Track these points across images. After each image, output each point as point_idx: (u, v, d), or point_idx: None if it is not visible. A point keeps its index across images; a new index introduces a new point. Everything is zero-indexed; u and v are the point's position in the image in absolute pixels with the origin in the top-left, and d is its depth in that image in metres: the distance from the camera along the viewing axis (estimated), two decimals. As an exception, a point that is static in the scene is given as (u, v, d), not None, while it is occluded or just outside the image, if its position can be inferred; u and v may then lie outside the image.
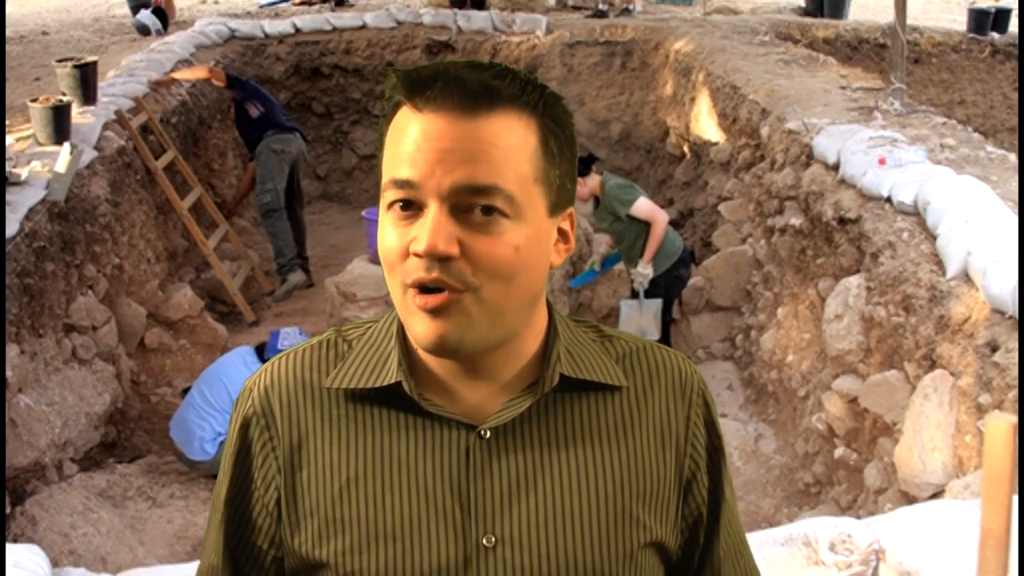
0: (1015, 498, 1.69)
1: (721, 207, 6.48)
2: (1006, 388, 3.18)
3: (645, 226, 5.25)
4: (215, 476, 1.07)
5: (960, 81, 9.58)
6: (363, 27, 9.17)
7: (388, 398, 0.98)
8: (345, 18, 9.27)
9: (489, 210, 0.88)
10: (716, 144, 6.96)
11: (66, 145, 4.85)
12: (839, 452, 4.23)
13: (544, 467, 0.97)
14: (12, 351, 3.76)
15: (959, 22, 10.41)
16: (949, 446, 3.42)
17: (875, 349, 4.13)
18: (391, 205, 0.91)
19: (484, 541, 0.94)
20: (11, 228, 4.07)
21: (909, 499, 3.45)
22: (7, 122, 5.64)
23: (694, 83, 7.60)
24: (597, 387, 1.00)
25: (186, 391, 4.68)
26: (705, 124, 7.27)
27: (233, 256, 6.90)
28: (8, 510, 3.62)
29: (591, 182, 5.31)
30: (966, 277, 3.64)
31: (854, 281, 4.34)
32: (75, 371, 4.38)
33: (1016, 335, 3.24)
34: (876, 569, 2.32)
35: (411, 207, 0.89)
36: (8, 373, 3.66)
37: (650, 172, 8.49)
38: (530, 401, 0.97)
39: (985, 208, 3.90)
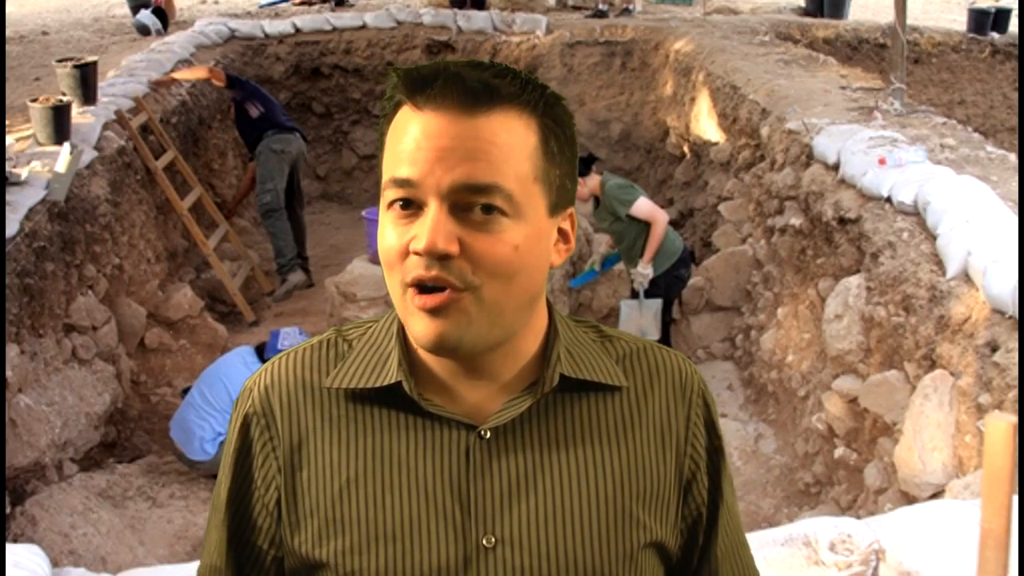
0: (1015, 498, 1.69)
1: (721, 207, 6.48)
2: (1006, 388, 3.18)
3: (645, 226, 5.25)
4: (215, 476, 1.07)
5: (960, 81, 9.58)
6: (363, 27, 9.17)
7: (388, 398, 0.98)
8: (345, 18, 9.28)
9: (489, 209, 0.88)
10: (716, 144, 6.96)
11: (66, 145, 4.85)
12: (839, 452, 4.23)
13: (544, 467, 0.97)
14: (12, 351, 3.76)
15: (959, 22, 10.41)
16: (949, 446, 3.42)
17: (875, 349, 4.13)
18: (391, 204, 0.91)
19: (484, 541, 0.94)
20: (11, 228, 4.06)
21: (909, 499, 3.45)
22: (7, 122, 5.64)
23: (694, 83, 7.60)
24: (597, 387, 1.00)
25: (186, 391, 4.68)
26: (705, 124, 7.27)
27: (233, 256, 6.90)
28: (8, 510, 3.62)
29: (591, 182, 5.31)
30: (966, 277, 3.64)
31: (854, 281, 4.34)
32: (75, 371, 4.38)
33: (1016, 335, 3.24)
34: (876, 569, 2.32)
35: (411, 206, 0.89)
36: (8, 373, 3.66)
37: (650, 172, 8.49)
38: (530, 401, 0.96)
39: (985, 208, 3.90)
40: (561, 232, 0.97)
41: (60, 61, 6.02)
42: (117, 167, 5.53)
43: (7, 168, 4.43)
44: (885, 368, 4.00)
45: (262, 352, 4.60)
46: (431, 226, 0.87)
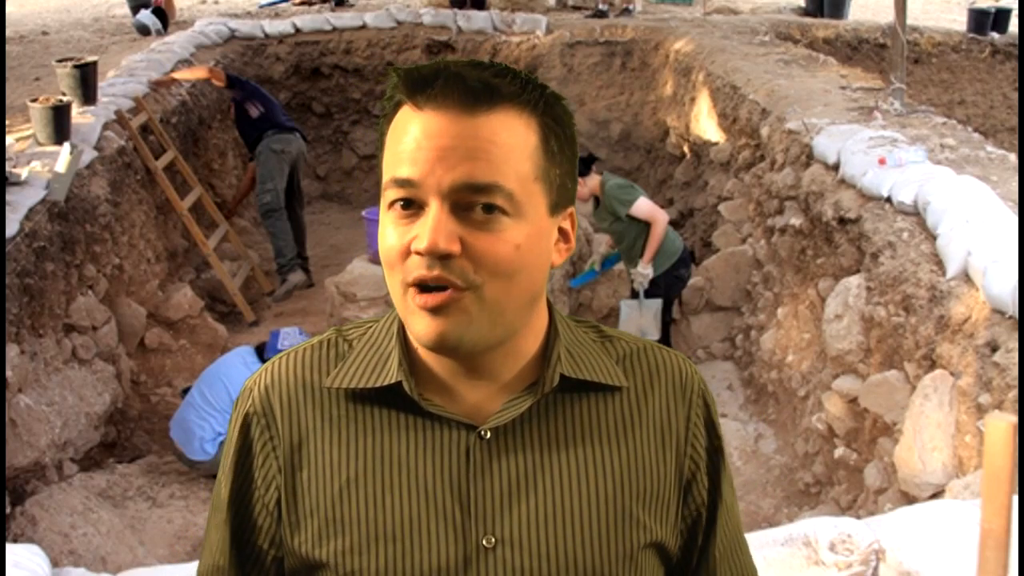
0: (1015, 498, 1.69)
1: (721, 207, 6.48)
2: (1006, 388, 3.18)
3: (645, 226, 5.25)
4: (215, 476, 1.07)
5: (960, 81, 9.58)
6: (363, 27, 9.18)
7: (388, 398, 0.98)
8: (345, 18, 9.28)
9: (490, 208, 0.88)
10: (716, 144, 6.96)
11: (66, 145, 4.85)
12: (839, 452, 4.23)
13: (544, 467, 0.97)
14: (12, 351, 3.76)
15: (959, 22, 10.41)
16: (949, 446, 3.42)
17: (875, 349, 4.14)
18: (392, 204, 0.91)
19: (484, 542, 0.94)
20: (11, 228, 4.06)
21: (909, 499, 3.45)
22: (7, 122, 5.64)
23: (694, 83, 7.60)
24: (597, 387, 1.00)
25: (186, 391, 4.68)
26: (705, 124, 7.27)
27: (233, 256, 6.90)
28: (8, 510, 3.62)
29: (591, 182, 5.31)
30: (966, 277, 3.64)
31: (854, 281, 4.34)
32: (75, 371, 4.38)
33: (1016, 335, 3.24)
34: (876, 569, 2.32)
35: (412, 206, 0.89)
36: (8, 373, 3.66)
37: (650, 172, 8.50)
38: (530, 401, 0.96)
39: (985, 208, 3.90)
40: (561, 231, 0.97)
41: (60, 61, 6.02)
42: (117, 167, 5.53)
43: (7, 168, 4.43)
44: (885, 368, 4.00)
45: (262, 352, 4.60)
46: (432, 226, 0.87)
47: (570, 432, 0.98)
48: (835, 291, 4.46)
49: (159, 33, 9.02)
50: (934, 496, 3.38)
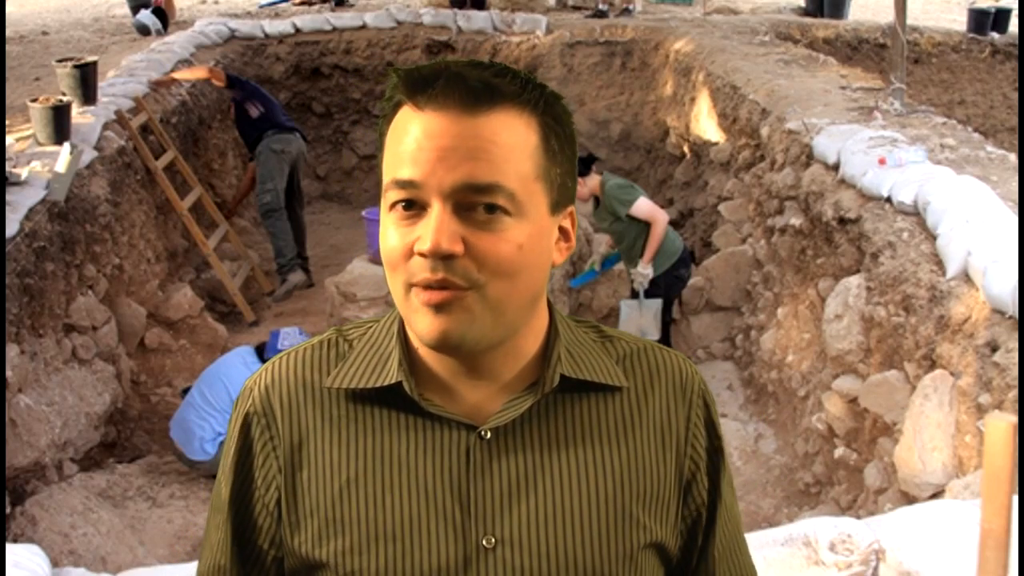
0: (1015, 498, 1.69)
1: (721, 207, 6.48)
2: (1006, 388, 3.18)
3: (645, 226, 5.25)
4: (215, 476, 1.07)
5: (960, 81, 9.58)
6: (363, 27, 9.18)
7: (389, 398, 0.98)
8: (345, 18, 9.28)
9: (492, 208, 0.88)
10: (716, 144, 6.96)
11: (66, 145, 4.85)
12: (839, 452, 4.23)
13: (544, 468, 0.97)
14: (12, 351, 3.76)
15: (959, 22, 10.41)
16: (949, 446, 3.42)
17: (875, 349, 4.14)
18: (393, 205, 0.90)
19: (484, 542, 0.94)
20: (11, 228, 4.06)
21: (909, 499, 3.45)
22: (7, 122, 5.64)
23: (694, 83, 7.60)
24: (597, 388, 1.00)
25: (186, 391, 4.68)
26: (705, 124, 7.27)
27: (233, 256, 6.90)
28: (8, 510, 3.62)
29: (591, 182, 5.31)
30: (966, 277, 3.64)
31: (854, 281, 4.34)
32: (75, 371, 4.38)
33: (1016, 335, 3.24)
34: (876, 569, 2.32)
35: (413, 207, 0.89)
36: (8, 373, 3.66)
37: (650, 172, 8.49)
38: (530, 401, 0.96)
39: (985, 208, 3.90)
40: (562, 230, 0.97)
41: (60, 61, 6.02)
42: (117, 167, 5.53)
43: (7, 168, 4.43)
44: (885, 368, 4.00)
45: (262, 352, 4.60)
46: (435, 227, 0.87)
47: (570, 432, 0.98)
48: (835, 291, 4.46)
49: (159, 33, 9.02)
50: (934, 496, 3.38)
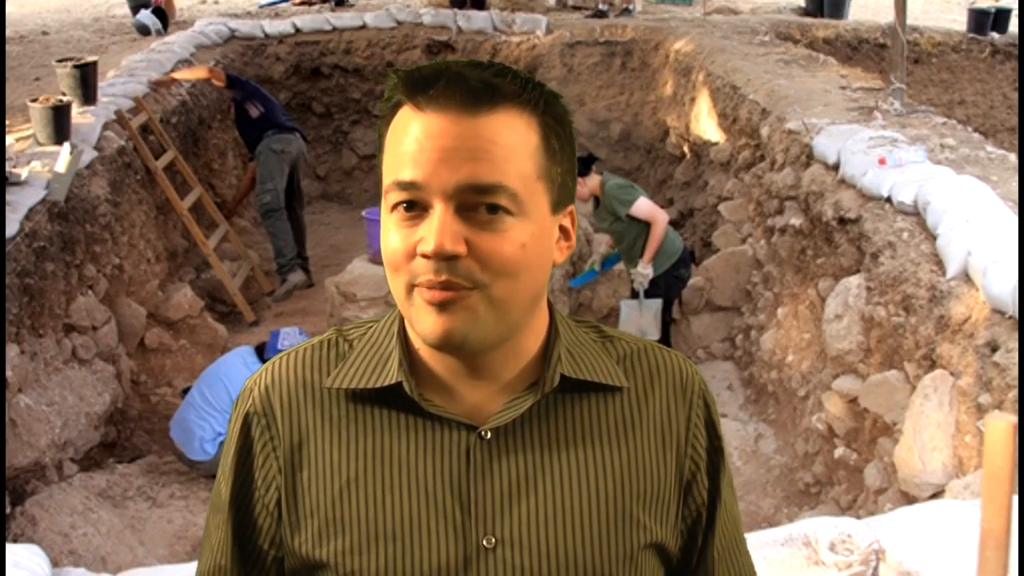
0: (1015, 498, 1.69)
1: (721, 207, 6.48)
2: (1006, 388, 3.18)
3: (645, 226, 5.25)
4: (215, 476, 1.07)
5: (960, 81, 9.58)
6: (363, 27, 9.18)
7: (389, 398, 0.97)
8: (345, 18, 9.28)
9: (494, 208, 0.88)
10: (716, 144, 6.96)
11: (66, 145, 4.85)
12: (839, 452, 4.23)
13: (544, 468, 0.97)
14: (12, 351, 3.76)
15: (959, 22, 10.41)
16: (949, 446, 3.42)
17: (875, 349, 4.14)
18: (394, 207, 0.90)
19: (484, 542, 0.94)
20: (11, 228, 4.07)
21: (909, 499, 3.45)
22: (7, 122, 5.64)
23: (694, 83, 7.60)
24: (598, 388, 1.00)
25: (186, 391, 4.68)
26: (705, 124, 7.27)
27: (233, 256, 6.90)
28: (8, 510, 3.62)
29: (591, 182, 5.31)
30: (966, 277, 3.64)
31: (854, 281, 4.34)
32: (75, 371, 4.38)
33: (1016, 335, 3.24)
34: (876, 569, 2.32)
35: (415, 208, 0.89)
36: (8, 373, 3.66)
37: (650, 172, 8.49)
38: (531, 401, 0.96)
39: (985, 208, 3.90)
40: (562, 229, 0.97)
41: (60, 61, 6.02)
42: (117, 167, 5.53)
43: (7, 168, 4.43)
44: (885, 368, 4.00)
45: (262, 352, 4.61)
46: (438, 228, 0.87)
47: (570, 432, 0.98)
48: (835, 291, 4.46)
49: (159, 33, 9.02)
50: (934, 496, 3.38)
